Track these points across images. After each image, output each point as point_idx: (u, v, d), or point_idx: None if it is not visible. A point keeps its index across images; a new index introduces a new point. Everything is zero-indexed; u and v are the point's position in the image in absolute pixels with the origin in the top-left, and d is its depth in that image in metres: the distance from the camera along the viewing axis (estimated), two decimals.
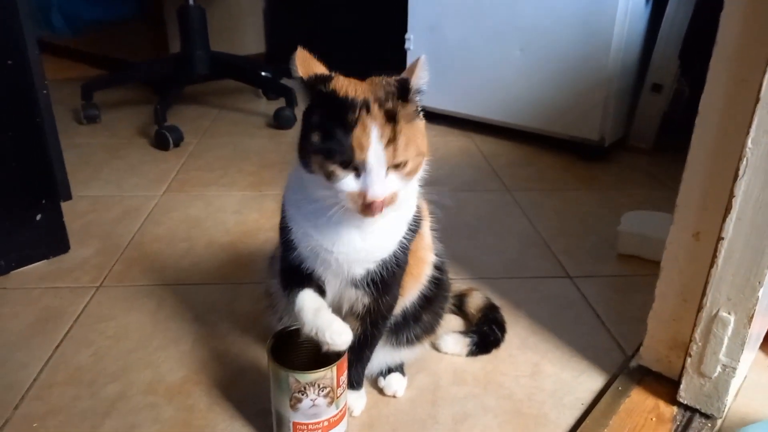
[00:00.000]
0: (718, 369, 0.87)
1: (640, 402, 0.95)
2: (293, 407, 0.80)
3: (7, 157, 1.20)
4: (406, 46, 2.27)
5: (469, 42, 2.12)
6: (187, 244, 1.43)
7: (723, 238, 0.82)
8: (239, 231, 1.51)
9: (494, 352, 1.09)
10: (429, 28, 2.20)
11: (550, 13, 1.93)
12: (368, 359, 0.92)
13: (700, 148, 0.84)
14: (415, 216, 0.83)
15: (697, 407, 0.92)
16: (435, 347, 1.08)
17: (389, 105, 0.70)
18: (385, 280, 0.81)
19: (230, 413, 0.93)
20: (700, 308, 0.87)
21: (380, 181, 0.68)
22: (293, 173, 0.82)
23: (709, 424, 0.90)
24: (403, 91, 0.72)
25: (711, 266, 0.85)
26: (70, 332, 1.11)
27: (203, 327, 1.13)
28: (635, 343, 1.09)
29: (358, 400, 0.94)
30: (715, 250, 0.84)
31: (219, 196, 1.70)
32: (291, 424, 0.82)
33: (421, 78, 0.73)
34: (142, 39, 2.84)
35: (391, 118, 0.69)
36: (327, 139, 0.68)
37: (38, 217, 1.29)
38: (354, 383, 0.92)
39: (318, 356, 0.85)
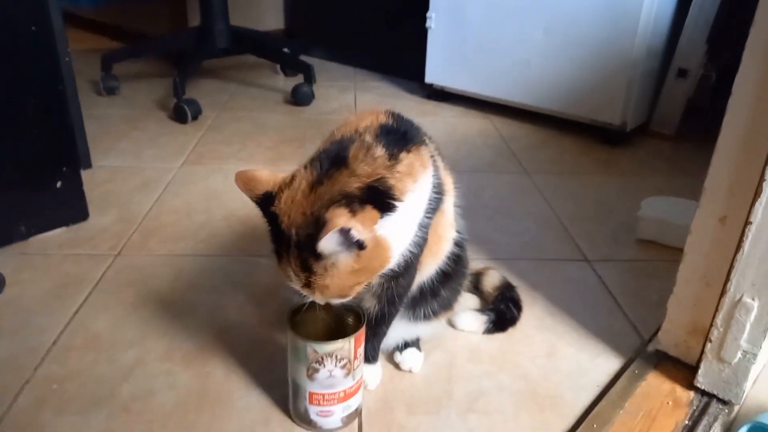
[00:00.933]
0: (739, 355, 0.86)
1: (656, 386, 0.94)
2: (310, 377, 0.81)
3: (29, 124, 1.21)
4: (427, 24, 2.24)
5: (492, 22, 2.09)
6: (205, 216, 1.44)
7: (751, 223, 0.80)
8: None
9: (510, 331, 1.09)
10: (451, 7, 2.17)
11: None
12: (384, 334, 0.92)
13: (731, 130, 0.82)
14: (434, 195, 0.80)
15: (715, 393, 0.91)
16: (451, 324, 1.07)
17: (306, 255, 0.69)
18: (400, 264, 0.80)
19: (246, 382, 0.94)
20: (723, 293, 0.86)
21: (313, 298, 0.74)
22: None
23: (726, 410, 0.89)
24: (316, 236, 0.66)
25: (737, 251, 0.83)
26: (89, 298, 1.12)
27: (220, 298, 1.14)
28: (652, 328, 1.09)
29: (373, 374, 0.94)
30: (742, 234, 0.83)
31: (237, 170, 1.69)
32: (307, 394, 0.82)
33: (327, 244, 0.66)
34: (162, 12, 2.83)
35: (305, 267, 0.70)
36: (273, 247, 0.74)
37: (58, 184, 1.30)
38: (370, 357, 0.92)
39: (335, 329, 0.86)
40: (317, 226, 0.66)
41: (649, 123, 2.09)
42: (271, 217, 0.72)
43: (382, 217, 0.68)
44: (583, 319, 1.13)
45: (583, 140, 2.02)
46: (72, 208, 1.34)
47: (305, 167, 0.72)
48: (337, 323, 0.87)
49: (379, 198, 0.68)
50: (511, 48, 2.07)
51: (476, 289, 1.17)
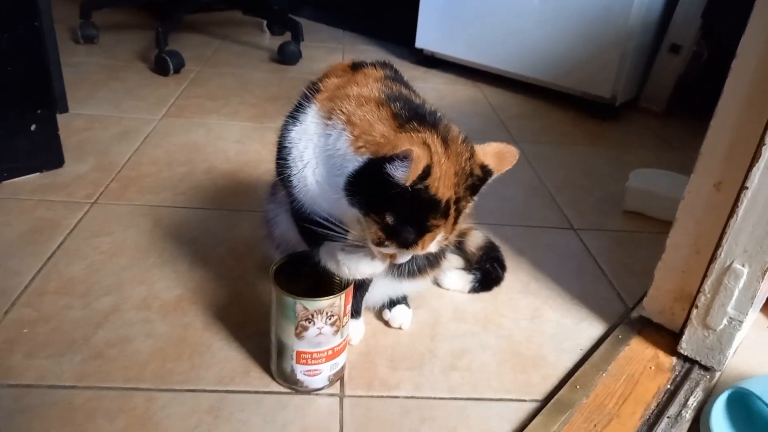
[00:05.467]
0: (725, 321, 0.86)
1: (639, 351, 0.95)
2: (298, 336, 0.78)
3: (3, 61, 1.14)
4: None
5: None
6: (186, 168, 1.40)
7: (747, 188, 0.80)
8: (240, 160, 1.47)
9: (495, 293, 1.08)
10: None
11: None
12: (366, 288, 0.90)
13: (732, 94, 0.81)
14: None
15: (698, 359, 0.91)
16: (437, 283, 1.06)
17: (463, 204, 0.68)
18: None
19: (226, 333, 0.92)
20: (713, 259, 0.86)
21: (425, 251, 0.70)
22: (322, 135, 0.71)
23: (708, 376, 0.90)
24: (480, 185, 0.69)
25: (729, 217, 0.83)
26: (64, 244, 1.08)
27: (201, 250, 1.11)
28: (636, 296, 1.09)
29: (357, 329, 0.92)
30: (736, 200, 0.82)
31: (220, 125, 1.65)
32: (294, 353, 0.79)
33: (503, 171, 0.71)
34: None
35: (457, 217, 0.68)
36: (398, 225, 0.65)
37: (33, 126, 1.24)
38: (354, 312, 0.90)
39: (320, 284, 0.83)
40: (485, 172, 0.69)
41: (639, 98, 2.08)
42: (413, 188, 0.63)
43: None
44: (568, 285, 1.12)
45: (572, 113, 2.01)
46: (46, 153, 1.29)
47: (412, 131, 0.66)
48: (321, 280, 0.84)
49: None
50: (506, 15, 2.03)
51: (459, 249, 1.15)
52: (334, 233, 0.74)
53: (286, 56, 2.19)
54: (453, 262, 1.13)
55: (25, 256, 1.04)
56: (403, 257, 0.70)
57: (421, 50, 2.30)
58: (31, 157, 1.26)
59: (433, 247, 0.69)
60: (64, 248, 1.07)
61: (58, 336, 0.87)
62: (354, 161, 0.66)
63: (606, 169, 1.65)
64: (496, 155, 0.71)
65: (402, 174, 0.61)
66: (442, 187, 0.64)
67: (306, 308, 0.76)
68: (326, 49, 2.46)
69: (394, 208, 0.65)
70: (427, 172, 0.62)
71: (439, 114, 0.71)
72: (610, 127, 1.95)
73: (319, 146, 0.72)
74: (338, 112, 0.70)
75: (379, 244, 0.67)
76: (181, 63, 1.98)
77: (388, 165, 0.61)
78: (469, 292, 1.06)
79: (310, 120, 0.73)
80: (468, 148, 0.68)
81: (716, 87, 0.83)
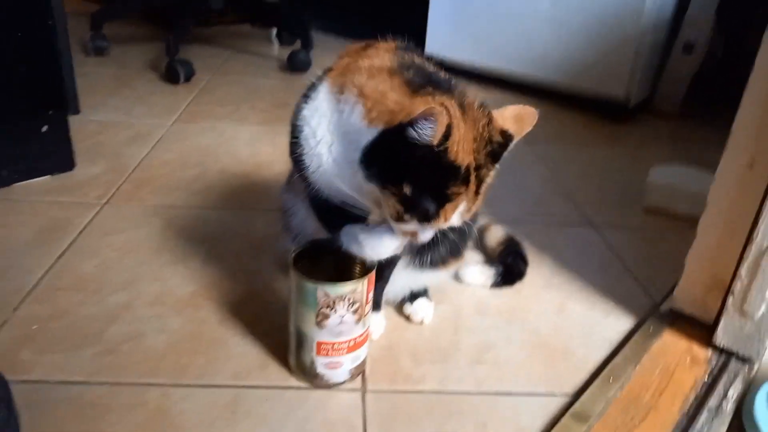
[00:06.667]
0: (763, 308, 0.82)
1: (672, 343, 0.91)
2: (319, 324, 0.75)
3: (15, 60, 1.14)
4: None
5: None
6: (198, 169, 1.38)
7: None
8: (252, 162, 1.45)
9: (518, 288, 1.04)
10: None
11: None
12: (387, 279, 0.87)
13: (764, 67, 0.78)
14: None
15: (735, 350, 0.87)
16: (457, 278, 1.03)
17: (484, 172, 0.65)
18: None
19: (242, 328, 0.88)
20: (748, 242, 0.82)
21: (437, 230, 0.68)
22: (335, 111, 0.69)
23: (746, 368, 0.86)
24: (502, 151, 0.67)
25: (765, 196, 0.79)
26: (76, 242, 1.06)
27: (215, 247, 1.08)
28: (663, 290, 1.05)
29: (377, 323, 0.89)
30: None
31: (231, 129, 1.64)
32: (314, 344, 0.76)
33: (524, 134, 0.69)
34: None
35: (479, 187, 0.66)
36: (417, 196, 0.63)
37: (44, 128, 1.22)
38: (374, 304, 0.86)
39: (341, 273, 0.80)
40: (505, 137, 0.66)
41: (652, 99, 2.06)
42: (431, 151, 0.61)
43: None
44: (592, 280, 1.09)
45: (585, 115, 1.98)
46: (58, 155, 1.27)
47: (427, 95, 0.64)
48: (341, 268, 0.81)
49: None
50: (516, 17, 2.02)
51: (480, 245, 1.12)
52: (354, 214, 0.72)
53: (296, 64, 2.18)
54: (473, 258, 1.10)
55: (35, 255, 1.01)
56: (426, 233, 0.67)
57: (430, 56, 2.28)
58: (43, 159, 1.25)
59: (455, 219, 0.66)
60: (76, 246, 1.05)
61: (69, 332, 0.85)
62: (369, 133, 0.64)
63: (623, 168, 1.62)
64: (515, 118, 0.68)
65: (429, 134, 0.59)
66: (461, 151, 0.62)
67: (327, 294, 0.73)
68: (336, 57, 2.45)
69: (412, 178, 0.62)
70: (448, 132, 0.60)
71: (453, 81, 0.68)
72: (624, 128, 1.92)
73: (333, 122, 0.69)
74: (350, 85, 0.68)
75: (399, 218, 0.65)
76: (192, 72, 1.98)
77: (411, 128, 0.59)
78: (491, 286, 1.03)
79: (322, 97, 0.71)
80: (486, 114, 0.66)
81: (731, 86, 0.80)
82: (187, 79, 1.97)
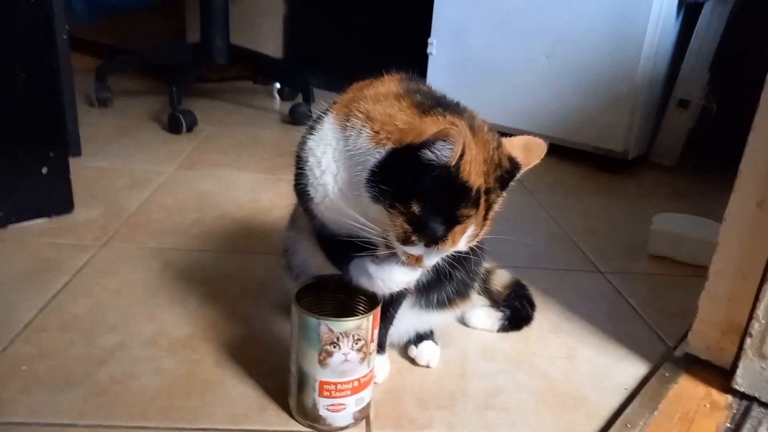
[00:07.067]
0: None
1: (689, 389, 0.87)
2: (322, 363, 0.71)
3: (18, 100, 1.14)
4: (429, 50, 2.24)
5: (494, 48, 2.09)
6: (197, 214, 1.36)
7: None
8: (253, 208, 1.43)
9: (525, 332, 1.01)
10: (453, 33, 2.18)
11: (579, 20, 1.90)
12: (392, 319, 0.84)
13: None
14: None
15: (756, 395, 0.83)
16: (463, 322, 1.00)
17: (493, 197, 0.65)
18: None
19: (239, 371, 0.84)
20: (763, 281, 0.80)
21: (442, 256, 0.67)
22: (341, 138, 0.68)
23: None
24: (510, 178, 0.67)
25: None
26: (70, 284, 1.03)
27: (212, 289, 1.05)
28: (676, 335, 1.02)
29: (382, 366, 0.85)
30: None
31: (232, 176, 1.63)
32: (317, 384, 0.72)
33: (531, 165, 0.69)
34: (159, 31, 2.82)
35: (488, 211, 0.66)
36: (426, 216, 0.61)
37: (44, 169, 1.21)
38: (378, 346, 0.83)
39: (344, 311, 0.77)
40: (512, 165, 0.66)
41: (649, 154, 2.08)
42: (443, 169, 0.60)
43: None
44: (602, 325, 1.05)
45: (584, 167, 1.99)
46: (56, 198, 1.25)
47: (438, 115, 0.64)
48: (344, 306, 0.79)
49: None
50: (513, 73, 2.06)
51: (485, 290, 1.09)
52: (362, 247, 0.69)
53: (298, 117, 2.21)
54: (478, 302, 1.07)
55: (28, 294, 0.98)
56: (431, 257, 0.65)
57: None
58: (40, 200, 1.23)
59: (463, 244, 0.64)
60: (70, 287, 1.01)
61: (57, 372, 0.80)
62: (376, 154, 0.63)
63: (625, 217, 1.61)
64: (524, 147, 0.68)
65: (447, 154, 0.57)
66: (473, 172, 0.61)
67: (331, 330, 0.69)
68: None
69: (422, 197, 0.61)
70: (462, 152, 0.59)
71: (462, 105, 0.68)
72: (622, 180, 1.93)
73: (339, 150, 0.68)
74: (356, 112, 0.68)
75: (406, 240, 0.62)
76: (194, 122, 2.00)
77: (427, 150, 0.58)
78: (498, 330, 1.00)
79: (328, 127, 0.71)
80: (495, 138, 0.66)
81: (727, 139, 0.81)
82: (189, 128, 1.98)
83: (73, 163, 1.29)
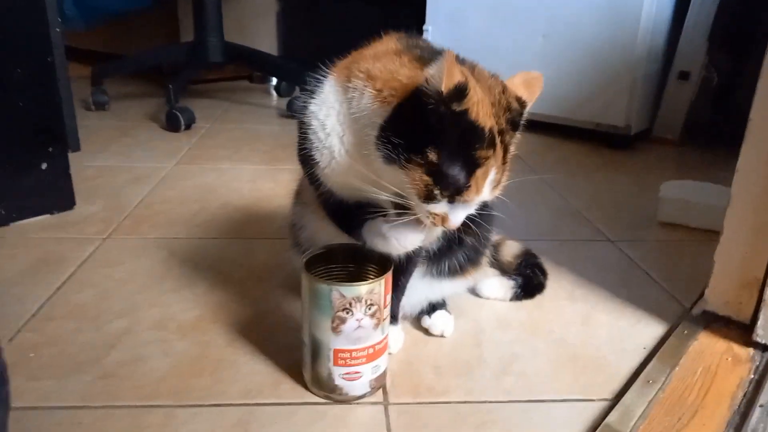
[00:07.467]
0: None
1: (709, 345, 0.85)
2: (335, 330, 0.69)
3: (15, 96, 1.12)
4: (424, 37, 2.23)
5: (490, 29, 2.07)
6: (199, 205, 1.34)
7: None
8: (255, 197, 1.42)
9: (538, 301, 0.99)
10: (448, 19, 2.16)
11: None
12: (404, 288, 0.82)
13: None
14: None
15: None
16: (476, 293, 0.98)
17: (507, 138, 0.64)
18: None
19: (251, 348, 0.83)
20: None
21: (468, 211, 0.65)
22: (344, 101, 0.67)
23: None
24: (519, 118, 0.66)
25: None
26: (74, 275, 1.01)
27: (218, 274, 1.04)
28: (692, 296, 1.01)
29: (395, 337, 0.83)
30: None
31: (233, 169, 1.62)
32: (331, 353, 0.71)
33: (534, 99, 0.69)
34: (153, 35, 2.81)
35: (506, 154, 0.64)
36: (445, 165, 0.59)
37: (43, 165, 1.20)
38: (391, 317, 0.81)
39: (354, 279, 0.76)
40: (520, 104, 0.65)
41: (652, 129, 2.06)
42: (449, 114, 0.58)
43: None
44: (616, 290, 1.04)
45: (587, 145, 1.98)
46: (57, 194, 1.24)
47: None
48: (353, 275, 0.77)
49: None
50: (511, 55, 2.05)
51: (496, 261, 1.07)
52: (371, 212, 0.68)
53: (296, 109, 2.19)
54: (490, 273, 1.05)
55: (32, 287, 0.96)
56: (457, 215, 0.63)
57: None
58: (41, 197, 1.22)
59: (487, 192, 0.62)
60: (75, 278, 1.00)
61: (65, 358, 0.79)
62: (383, 112, 0.62)
63: (631, 190, 1.59)
64: (524, 84, 0.68)
65: (436, 77, 0.57)
66: (482, 113, 0.59)
67: (343, 295, 0.68)
68: None
69: (437, 143, 0.59)
70: (463, 91, 0.57)
71: (462, 56, 0.67)
72: (626, 155, 1.91)
73: (343, 113, 0.67)
74: (356, 72, 0.66)
75: (429, 196, 0.61)
76: (192, 119, 1.98)
77: (424, 84, 0.57)
78: (511, 299, 0.98)
79: (329, 89, 0.69)
80: (499, 82, 0.65)
81: (729, 110, 0.79)
82: (188, 126, 1.97)
83: (73, 162, 1.27)
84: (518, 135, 0.66)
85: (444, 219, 0.63)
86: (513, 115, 0.64)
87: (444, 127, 0.58)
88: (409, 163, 0.60)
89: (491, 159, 0.60)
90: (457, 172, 0.59)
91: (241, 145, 1.85)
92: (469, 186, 0.60)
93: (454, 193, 0.61)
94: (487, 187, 0.62)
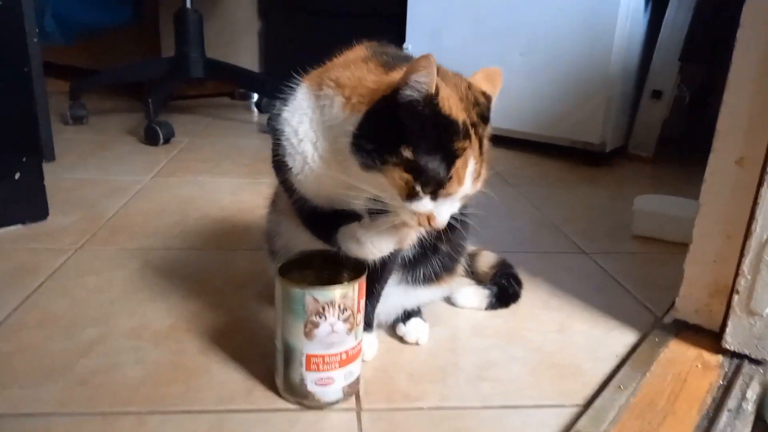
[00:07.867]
0: None
1: (680, 352, 0.86)
2: (308, 335, 0.69)
3: None
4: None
5: (469, 48, 2.11)
6: (178, 217, 1.34)
7: None
8: (234, 208, 1.42)
9: (514, 309, 1.00)
10: (428, 37, 2.20)
11: (551, 17, 1.93)
12: (378, 296, 0.83)
13: (744, 61, 0.79)
14: None
15: (746, 352, 0.83)
16: (451, 302, 0.98)
17: (480, 131, 0.65)
18: None
19: (225, 357, 0.82)
20: (747, 236, 0.80)
21: (452, 209, 0.65)
22: (316, 108, 0.68)
23: (761, 370, 0.81)
24: (488, 112, 0.67)
25: (759, 187, 0.78)
26: (46, 283, 1.00)
27: (195, 284, 1.03)
28: (664, 306, 1.02)
29: (370, 344, 0.83)
30: (762, 172, 0.78)
31: (213, 181, 1.62)
32: (304, 358, 0.70)
33: (497, 92, 0.71)
34: (134, 51, 2.80)
35: (481, 146, 0.65)
36: (423, 159, 0.60)
37: (17, 175, 1.19)
38: (365, 324, 0.81)
39: (328, 283, 0.76)
40: (486, 98, 0.67)
41: (627, 146, 2.10)
42: (422, 110, 0.60)
43: None
44: (591, 300, 1.05)
45: (563, 161, 2.01)
46: (30, 204, 1.23)
47: (404, 66, 0.63)
48: (330, 280, 0.77)
49: None
50: None
51: (471, 272, 1.08)
52: (346, 216, 0.69)
53: (270, 117, 2.20)
54: (465, 283, 1.06)
55: (1, 295, 0.95)
56: (442, 210, 0.63)
57: None
58: (14, 207, 1.20)
59: (469, 183, 0.63)
60: (46, 287, 0.99)
61: (36, 366, 0.78)
62: (354, 120, 0.63)
63: (607, 204, 1.62)
64: (486, 79, 0.70)
65: (425, 81, 0.58)
66: (454, 108, 0.61)
67: (316, 300, 0.68)
68: None
69: (411, 140, 0.60)
70: (436, 90, 0.59)
71: None
72: (602, 172, 1.94)
73: (316, 120, 0.68)
74: (327, 81, 0.68)
75: (411, 194, 0.61)
76: (171, 133, 1.98)
77: (406, 89, 0.59)
78: (486, 308, 0.99)
79: (301, 97, 0.71)
80: (464, 79, 0.67)
81: (701, 132, 0.82)
82: (167, 140, 1.96)
83: (50, 174, 1.26)
84: (489, 128, 0.67)
85: (430, 218, 0.63)
86: (482, 109, 0.65)
87: (420, 124, 0.60)
88: (385, 164, 0.61)
89: (468, 150, 0.62)
90: (437, 165, 0.60)
91: (222, 158, 1.85)
92: (451, 177, 0.61)
93: (437, 187, 0.61)
94: (468, 178, 0.63)
